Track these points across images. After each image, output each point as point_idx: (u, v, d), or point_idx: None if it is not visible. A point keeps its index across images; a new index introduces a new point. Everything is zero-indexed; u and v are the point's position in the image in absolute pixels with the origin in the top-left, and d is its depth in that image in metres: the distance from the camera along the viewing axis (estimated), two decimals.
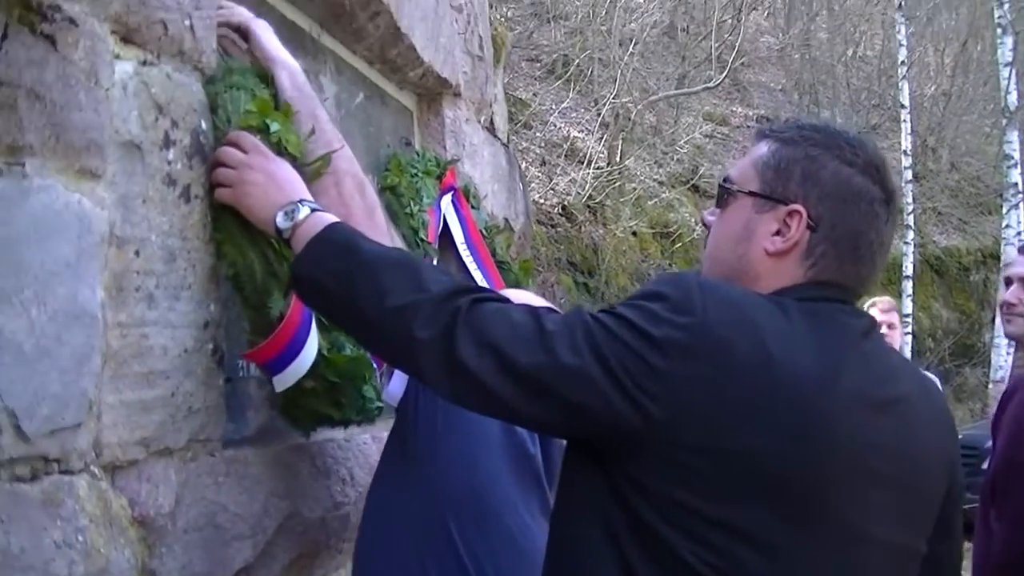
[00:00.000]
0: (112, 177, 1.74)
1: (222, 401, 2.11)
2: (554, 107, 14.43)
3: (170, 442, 1.91)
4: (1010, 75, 16.24)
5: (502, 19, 15.50)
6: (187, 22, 2.00)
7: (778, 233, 1.73)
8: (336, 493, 2.55)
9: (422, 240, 3.29)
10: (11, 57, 1.43)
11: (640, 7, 16.52)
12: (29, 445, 1.52)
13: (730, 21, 16.98)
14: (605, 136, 14.05)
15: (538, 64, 15.51)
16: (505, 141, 4.84)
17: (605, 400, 1.55)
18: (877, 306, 6.59)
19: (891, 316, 6.63)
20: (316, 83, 2.93)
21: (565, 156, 13.94)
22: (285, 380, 2.07)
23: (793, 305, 1.65)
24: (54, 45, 1.52)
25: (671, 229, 14.77)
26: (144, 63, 1.88)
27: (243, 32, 2.28)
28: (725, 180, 1.85)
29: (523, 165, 13.47)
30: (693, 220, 15.07)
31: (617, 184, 14.03)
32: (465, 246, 3.70)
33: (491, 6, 13.92)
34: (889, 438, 1.64)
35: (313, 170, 2.16)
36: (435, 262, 3.33)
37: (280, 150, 2.07)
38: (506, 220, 4.51)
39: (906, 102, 15.43)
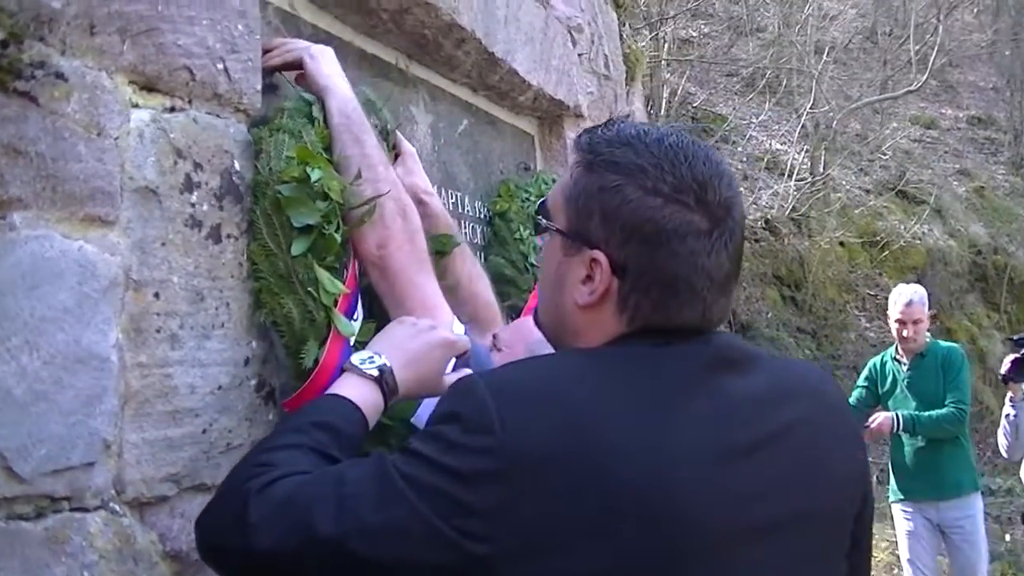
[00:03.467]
0: (127, 223, 1.80)
1: None
2: (753, 120, 14.14)
3: (206, 478, 1.95)
4: None
5: (698, 35, 15.35)
6: (220, 66, 2.05)
7: (588, 280, 1.50)
8: None
9: (532, 265, 3.26)
10: None
11: (841, 13, 16.00)
12: (26, 485, 1.57)
13: (934, 21, 16.22)
14: (806, 147, 13.65)
15: (735, 78, 15.22)
16: None
17: (424, 553, 1.32)
18: (900, 301, 6.07)
19: (915, 310, 6.07)
20: (407, 113, 2.96)
21: (766, 169, 13.62)
22: None
23: (612, 359, 1.43)
24: (34, 101, 1.58)
25: (879, 237, 14.21)
26: (171, 109, 1.94)
27: (298, 66, 2.30)
28: (540, 206, 1.63)
29: None
30: (902, 227, 14.48)
31: (821, 194, 13.60)
32: None
33: (686, 22, 13.76)
34: (764, 483, 1.38)
35: (359, 216, 2.17)
36: None
37: (322, 196, 2.08)
38: None
39: None
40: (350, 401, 1.79)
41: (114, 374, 1.74)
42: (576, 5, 3.87)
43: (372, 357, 1.89)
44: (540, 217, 1.60)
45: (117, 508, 1.76)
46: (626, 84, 4.44)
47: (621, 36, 4.42)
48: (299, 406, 2.05)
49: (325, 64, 2.28)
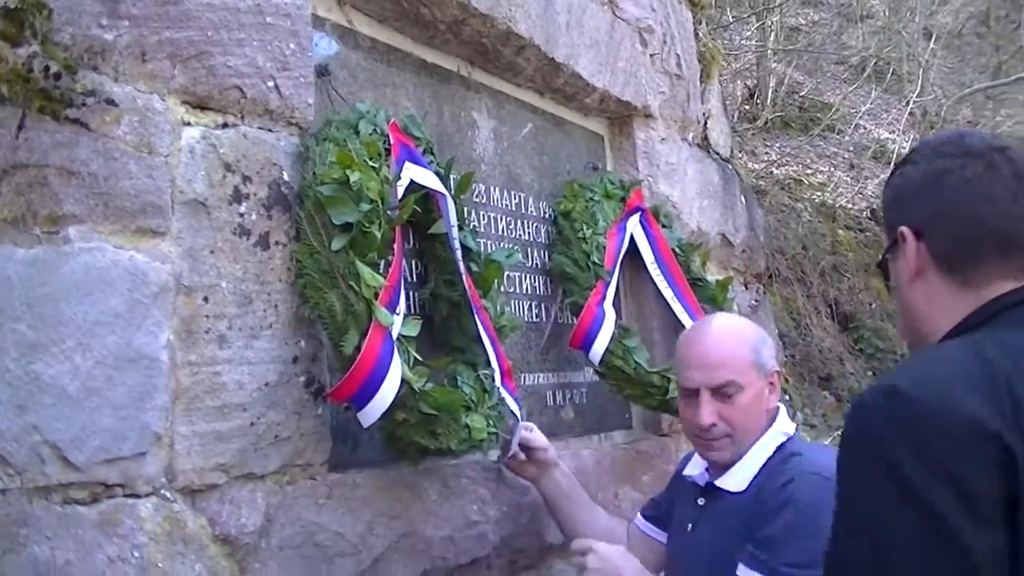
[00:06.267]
0: (177, 233, 1.96)
1: (324, 429, 2.29)
2: (861, 108, 13.92)
3: (255, 467, 2.10)
4: None
5: (807, 23, 15.15)
6: (270, 83, 2.20)
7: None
8: (471, 512, 2.67)
9: (594, 263, 3.35)
10: (32, 143, 1.66)
11: None
12: (80, 472, 1.75)
13: None
14: (914, 135, 13.39)
15: (843, 67, 14.99)
16: (727, 156, 4.80)
17: None
18: None
19: None
20: (469, 118, 3.08)
21: (873, 158, 13.39)
22: (369, 415, 2.20)
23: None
24: (85, 127, 1.75)
25: None
26: (223, 126, 2.10)
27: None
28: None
29: (829, 169, 13.11)
30: None
31: None
32: (655, 265, 3.73)
33: (795, 10, 13.55)
34: None
35: (401, 214, 2.31)
36: (610, 285, 3.38)
37: (364, 197, 2.22)
38: (722, 235, 4.48)
39: None
40: None
41: (164, 372, 1.91)
42: (647, 6, 3.94)
43: None
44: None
45: (168, 495, 1.93)
46: (701, 82, 4.49)
47: (697, 35, 4.47)
48: (343, 397, 2.18)
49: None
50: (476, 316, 2.62)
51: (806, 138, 13.14)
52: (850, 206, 12.48)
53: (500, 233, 3.17)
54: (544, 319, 3.35)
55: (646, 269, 3.73)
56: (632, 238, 3.65)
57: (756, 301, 4.93)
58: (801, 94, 13.78)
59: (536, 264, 3.36)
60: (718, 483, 2.37)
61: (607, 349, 3.28)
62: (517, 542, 2.86)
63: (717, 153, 4.64)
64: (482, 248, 2.81)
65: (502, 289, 2.89)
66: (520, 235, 3.28)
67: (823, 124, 13.10)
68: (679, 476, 2.63)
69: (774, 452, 2.34)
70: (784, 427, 2.41)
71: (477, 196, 3.07)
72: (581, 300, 3.29)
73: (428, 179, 2.50)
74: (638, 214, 3.68)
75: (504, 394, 2.64)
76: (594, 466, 3.33)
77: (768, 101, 12.63)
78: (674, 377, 3.45)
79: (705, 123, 4.53)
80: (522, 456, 2.73)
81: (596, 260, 3.37)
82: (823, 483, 2.02)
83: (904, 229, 1.56)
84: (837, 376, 10.71)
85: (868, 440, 1.32)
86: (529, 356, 3.25)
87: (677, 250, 3.81)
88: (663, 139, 4.04)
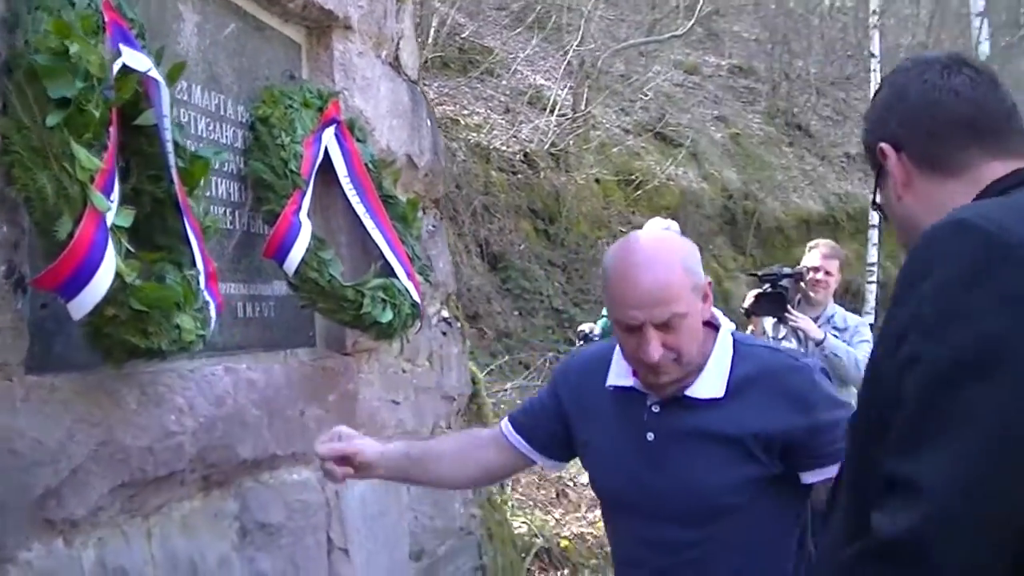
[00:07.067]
0: None
1: (22, 325, 2.10)
2: (520, 55, 14.34)
3: None
4: (981, 24, 16.26)
5: None
6: None
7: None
8: (169, 422, 2.55)
9: (291, 171, 3.26)
10: None
11: None
12: None
13: None
14: (570, 84, 13.96)
15: (505, 12, 15.37)
16: (415, 78, 4.79)
17: None
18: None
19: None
20: (175, 11, 2.90)
21: (529, 103, 13.85)
22: (81, 307, 2.03)
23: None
24: None
25: (634, 176, 14.66)
26: None
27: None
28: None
29: (486, 112, 13.43)
30: (658, 168, 15.03)
31: (581, 131, 13.95)
32: (348, 179, 3.68)
33: None
34: None
35: (119, 95, 2.14)
36: (306, 195, 3.30)
37: (81, 72, 2.03)
38: (408, 156, 4.48)
39: (876, 51, 15.32)
40: None
41: None
42: None
43: None
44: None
45: None
46: (397, 1, 4.44)
47: None
48: (53, 284, 2.00)
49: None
50: (183, 214, 2.48)
51: (464, 79, 13.39)
52: (504, 148, 12.85)
53: (199, 134, 3.01)
54: (237, 226, 3.23)
55: (336, 183, 3.67)
56: (327, 150, 3.58)
57: (434, 227, 4.98)
58: (462, 36, 14.00)
59: (232, 169, 3.22)
60: (689, 393, 2.33)
61: (302, 260, 3.21)
62: (211, 456, 2.76)
63: (407, 75, 4.62)
64: (187, 145, 2.67)
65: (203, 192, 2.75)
66: (219, 138, 3.13)
67: (482, 67, 13.40)
68: (594, 385, 2.55)
69: (733, 351, 2.38)
70: (727, 324, 2.46)
71: (179, 93, 2.88)
72: (278, 208, 3.19)
73: (143, 63, 2.33)
74: (334, 126, 3.60)
75: (207, 298, 2.53)
76: (285, 382, 3.26)
77: (429, 40, 12.74)
78: (368, 292, 3.45)
79: (398, 43, 4.49)
80: (339, 472, 2.62)
81: (294, 168, 3.28)
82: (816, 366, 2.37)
83: (883, 145, 1.64)
84: (485, 314, 11.10)
85: (936, 266, 1.34)
86: (221, 264, 3.12)
87: (370, 166, 3.77)
88: (360, 53, 3.97)
